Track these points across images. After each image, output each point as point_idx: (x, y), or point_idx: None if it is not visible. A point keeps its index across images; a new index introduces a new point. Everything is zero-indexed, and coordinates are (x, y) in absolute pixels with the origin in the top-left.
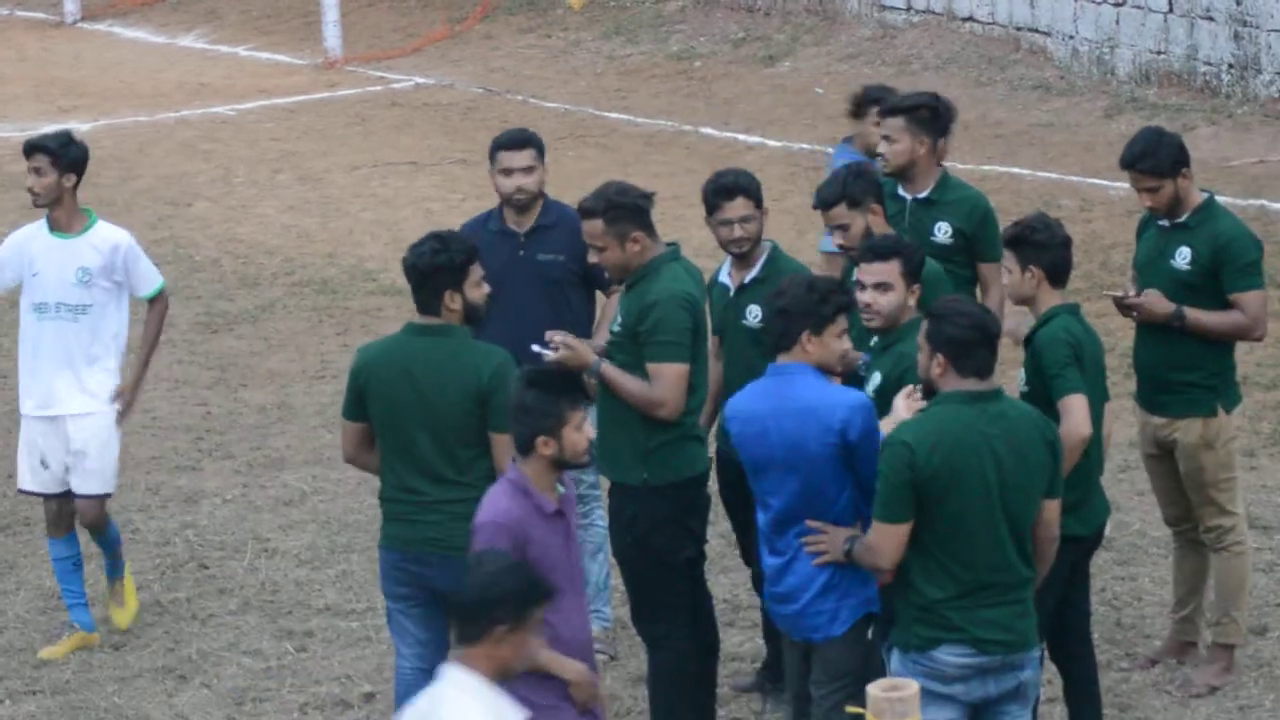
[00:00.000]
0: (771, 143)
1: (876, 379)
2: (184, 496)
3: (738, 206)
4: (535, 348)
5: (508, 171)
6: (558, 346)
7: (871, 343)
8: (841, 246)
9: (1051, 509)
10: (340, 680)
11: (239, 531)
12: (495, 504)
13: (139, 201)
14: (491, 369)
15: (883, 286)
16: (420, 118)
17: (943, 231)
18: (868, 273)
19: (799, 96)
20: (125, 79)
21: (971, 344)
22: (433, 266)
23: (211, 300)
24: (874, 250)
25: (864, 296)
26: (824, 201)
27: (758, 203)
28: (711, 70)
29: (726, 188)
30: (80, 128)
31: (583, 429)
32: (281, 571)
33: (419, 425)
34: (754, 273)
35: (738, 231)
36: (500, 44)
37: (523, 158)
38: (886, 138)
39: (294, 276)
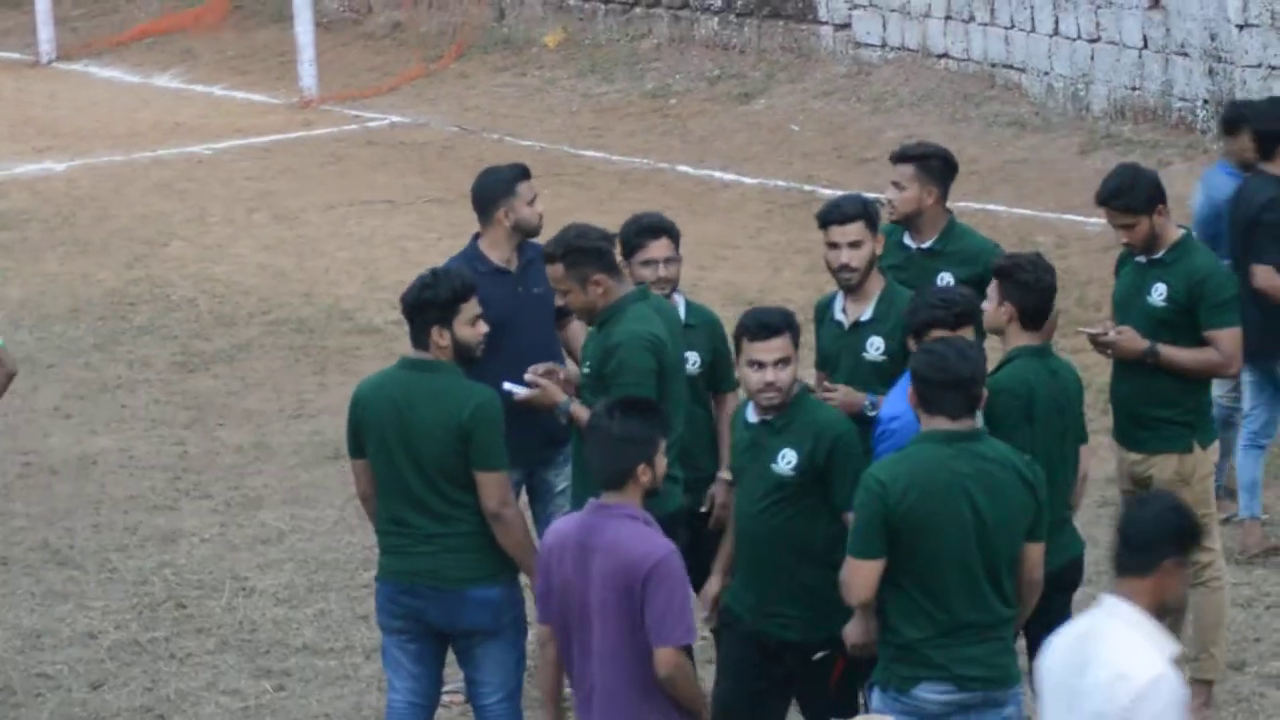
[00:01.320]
0: (747, 180)
1: (794, 458)
2: (161, 536)
3: (662, 247)
4: (506, 386)
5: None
6: (530, 384)
7: (771, 419)
8: (844, 266)
9: (1034, 551)
10: (319, 719)
11: (217, 571)
12: (656, 538)
13: (115, 241)
14: (473, 407)
15: (783, 362)
16: (396, 157)
17: (944, 283)
18: (766, 350)
19: (774, 134)
20: (101, 119)
21: (933, 384)
22: (420, 302)
23: (188, 340)
24: (769, 326)
25: (765, 375)
26: (845, 215)
27: (677, 245)
28: (687, 108)
29: (651, 227)
30: (56, 168)
31: (664, 456)
32: (259, 610)
33: (407, 459)
34: (682, 319)
35: (661, 272)
36: (475, 82)
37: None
38: (895, 184)
39: (270, 316)
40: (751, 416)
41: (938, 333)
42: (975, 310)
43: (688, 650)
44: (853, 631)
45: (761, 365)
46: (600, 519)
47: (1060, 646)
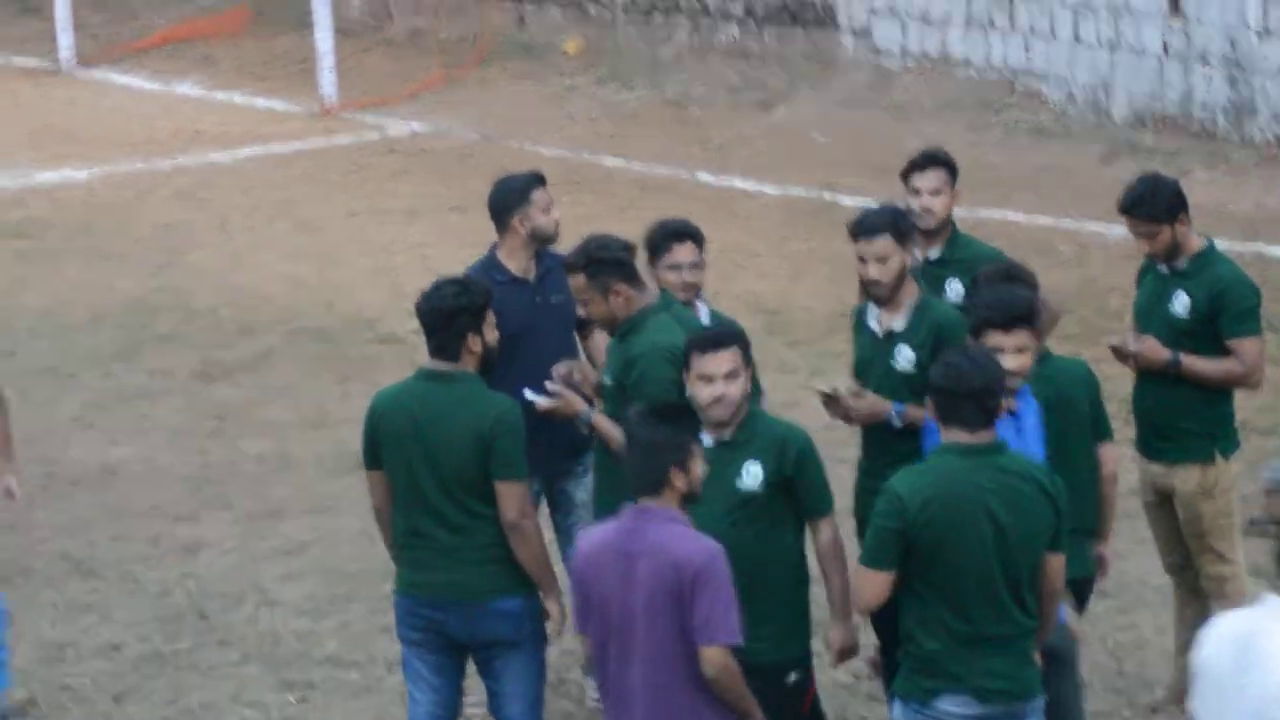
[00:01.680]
0: (768, 189)
1: (759, 471)
2: (183, 547)
3: (687, 251)
4: (528, 394)
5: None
6: (552, 393)
7: (727, 437)
8: (872, 280)
9: (1055, 562)
10: None
11: (239, 582)
12: (701, 539)
13: (135, 250)
14: (495, 417)
15: (732, 375)
16: (417, 165)
17: (954, 291)
18: (716, 363)
19: (795, 142)
20: (121, 126)
21: (948, 394)
22: (456, 309)
23: (209, 349)
24: (717, 339)
25: (715, 389)
26: (871, 228)
27: (703, 250)
28: (708, 116)
29: (677, 231)
30: (76, 176)
31: (700, 460)
32: (282, 622)
33: (426, 471)
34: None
35: (686, 276)
36: (496, 90)
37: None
38: (935, 190)
39: (291, 325)
40: (705, 440)
41: (992, 335)
42: (1031, 312)
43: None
44: (836, 638)
45: (711, 379)
46: (641, 523)
47: (1221, 643)
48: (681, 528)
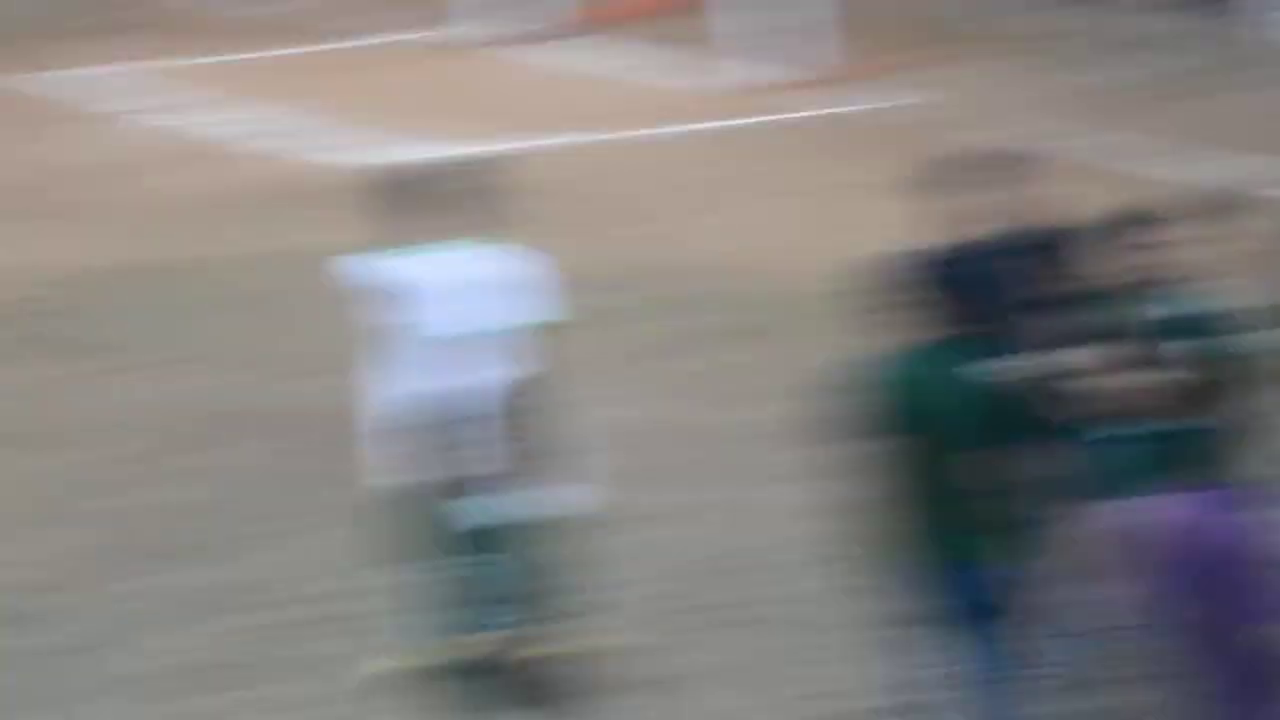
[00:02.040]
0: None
1: None
2: (690, 508)
3: (1146, 234)
4: (1003, 363)
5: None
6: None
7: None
8: None
9: None
10: (858, 692)
11: (751, 542)
12: (1258, 521)
13: (583, 224)
14: (990, 383)
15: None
16: (875, 141)
17: None
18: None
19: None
20: (567, 101)
21: None
22: (946, 279)
23: (669, 320)
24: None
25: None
26: None
27: (1163, 236)
28: (1150, 100)
29: (1136, 215)
30: (523, 147)
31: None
32: (795, 582)
33: (922, 437)
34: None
35: (1142, 260)
36: (956, 68)
37: None
38: None
39: (770, 294)
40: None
41: None
42: None
43: None
44: None
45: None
46: (1204, 504)
47: None
48: (1243, 508)
